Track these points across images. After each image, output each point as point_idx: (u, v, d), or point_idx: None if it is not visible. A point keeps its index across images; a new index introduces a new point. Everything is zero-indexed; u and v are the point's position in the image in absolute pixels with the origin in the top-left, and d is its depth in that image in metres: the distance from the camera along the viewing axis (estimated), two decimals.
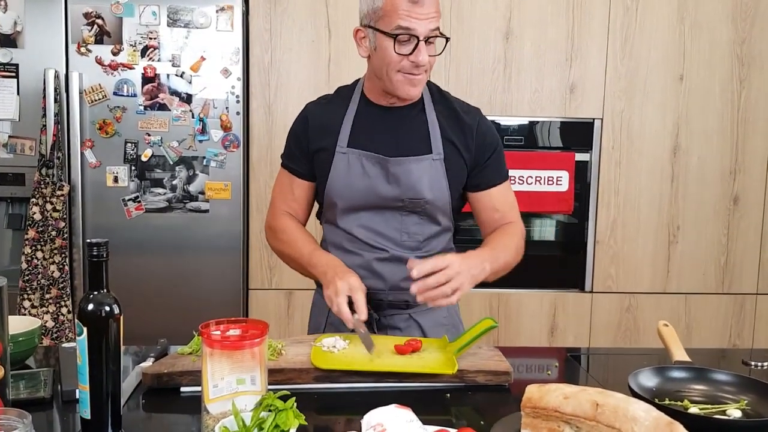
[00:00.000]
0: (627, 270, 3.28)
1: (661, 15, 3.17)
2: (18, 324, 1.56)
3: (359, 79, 1.85)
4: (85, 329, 1.21)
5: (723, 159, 3.26)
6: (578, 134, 3.22)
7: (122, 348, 1.26)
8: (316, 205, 1.92)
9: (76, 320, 1.24)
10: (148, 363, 1.59)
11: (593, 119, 3.21)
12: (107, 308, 1.23)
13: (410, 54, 1.64)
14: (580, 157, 3.21)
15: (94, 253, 1.26)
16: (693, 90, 3.22)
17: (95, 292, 1.25)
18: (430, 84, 1.84)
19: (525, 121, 3.19)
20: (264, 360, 1.22)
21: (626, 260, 3.27)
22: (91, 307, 1.22)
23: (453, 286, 1.54)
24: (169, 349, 1.72)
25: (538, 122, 3.19)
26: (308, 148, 1.80)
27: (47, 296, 2.80)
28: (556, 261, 3.30)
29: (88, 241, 1.27)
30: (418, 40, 1.62)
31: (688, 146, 3.24)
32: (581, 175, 3.22)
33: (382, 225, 1.79)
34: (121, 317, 1.26)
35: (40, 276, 2.79)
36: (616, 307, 3.29)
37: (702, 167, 3.26)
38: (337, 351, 1.59)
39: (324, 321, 1.88)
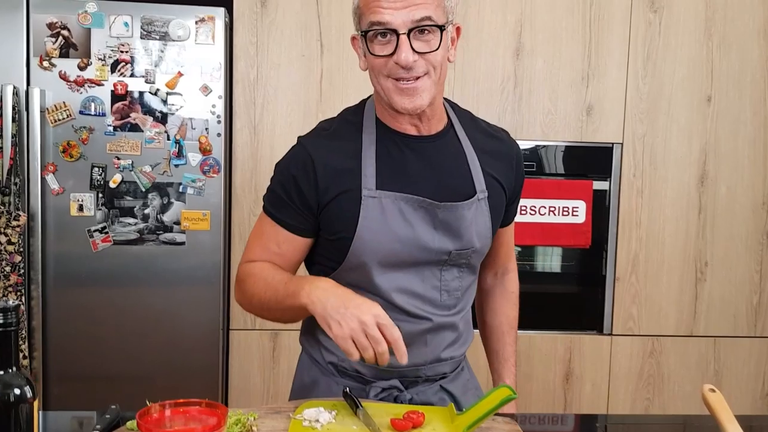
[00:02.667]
0: (650, 310, 2.97)
1: (686, 30, 2.88)
2: None
3: (366, 101, 1.50)
4: None
5: (755, 189, 2.96)
6: (596, 160, 2.93)
7: (69, 414, 0.96)
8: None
9: None
10: None
11: (612, 144, 2.91)
12: (17, 391, 0.96)
13: (393, 54, 1.32)
14: (597, 185, 2.92)
15: (1, 321, 0.96)
16: (722, 112, 2.92)
17: (1, 372, 0.96)
18: (451, 104, 1.54)
19: (537, 144, 2.89)
20: None
21: (649, 299, 2.96)
22: None
23: None
24: (120, 418, 1.39)
25: (551, 146, 2.90)
26: (315, 199, 1.41)
27: None
28: (572, 300, 2.99)
29: None
30: (398, 35, 1.30)
31: (717, 174, 2.94)
32: (599, 205, 2.92)
33: (421, 286, 1.45)
34: (35, 402, 0.97)
35: None
36: (638, 351, 2.98)
37: (732, 198, 2.96)
38: (321, 426, 1.27)
39: (311, 381, 1.56)
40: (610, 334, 2.97)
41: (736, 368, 3.02)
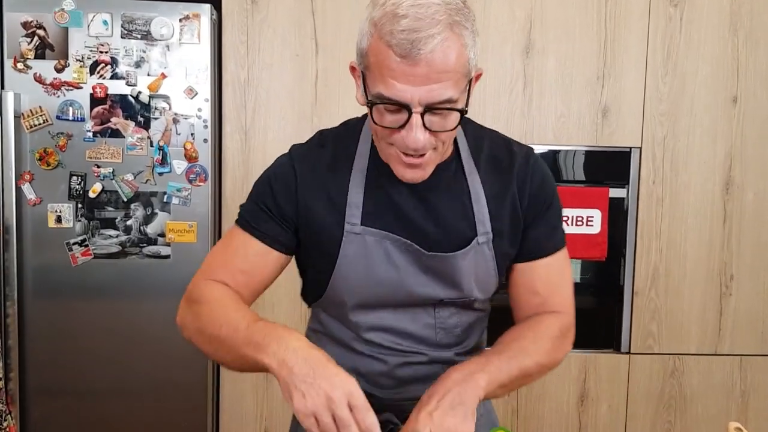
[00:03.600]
0: (671, 327, 2.75)
1: (710, 25, 2.67)
2: None
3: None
4: None
5: None
6: (612, 166, 2.72)
7: None
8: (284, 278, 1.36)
9: None
10: None
11: (630, 148, 2.70)
12: None
13: (400, 128, 1.10)
14: (614, 192, 2.71)
15: None
16: (749, 114, 2.70)
17: None
18: (463, 123, 1.25)
19: (548, 149, 2.69)
20: None
21: (670, 316, 2.75)
22: None
23: None
24: None
25: (563, 151, 2.70)
26: (292, 212, 1.26)
27: None
28: (587, 316, 2.78)
29: None
30: (410, 113, 1.08)
31: (743, 180, 2.72)
32: (616, 215, 2.71)
33: (411, 324, 1.30)
34: None
35: None
36: (658, 371, 2.77)
37: (760, 205, 2.74)
38: None
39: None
40: (628, 353, 2.76)
41: (765, 389, 2.80)
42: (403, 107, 1.08)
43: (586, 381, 2.75)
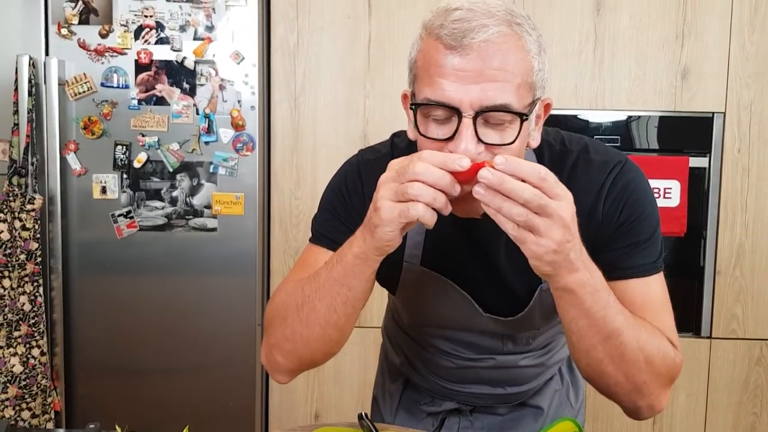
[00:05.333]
0: (758, 310, 2.52)
1: None
2: None
3: None
4: None
5: None
6: (693, 133, 2.50)
7: None
8: None
9: None
10: None
11: (713, 113, 2.47)
12: None
13: (448, 140, 0.95)
14: (695, 162, 2.48)
15: None
16: None
17: None
18: (540, 149, 1.11)
19: (622, 116, 2.48)
20: None
21: (756, 297, 2.51)
22: None
23: (534, 220, 0.86)
24: None
25: (639, 117, 2.48)
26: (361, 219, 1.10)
27: (15, 334, 2.27)
28: None
29: None
30: (460, 117, 0.93)
31: None
32: (697, 186, 2.49)
33: (477, 338, 1.24)
34: None
35: (6, 309, 2.26)
36: (743, 357, 2.54)
37: None
38: None
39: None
40: (710, 337, 2.54)
41: None
42: (453, 111, 0.94)
43: None
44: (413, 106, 0.99)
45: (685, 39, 2.45)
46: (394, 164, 0.93)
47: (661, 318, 1.09)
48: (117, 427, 1.08)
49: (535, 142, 1.05)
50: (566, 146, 1.13)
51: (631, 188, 1.10)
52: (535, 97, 0.98)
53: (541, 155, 1.12)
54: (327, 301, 1.04)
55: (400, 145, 1.19)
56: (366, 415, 1.16)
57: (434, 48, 0.94)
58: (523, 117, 0.95)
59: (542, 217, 0.86)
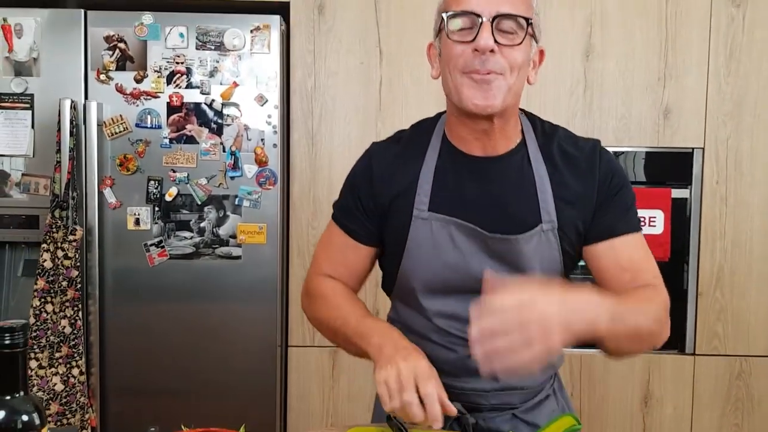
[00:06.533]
0: (737, 328, 2.73)
1: None
2: None
3: (442, 114, 1.43)
4: None
5: None
6: (675, 166, 2.73)
7: None
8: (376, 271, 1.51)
9: None
10: None
11: (692, 148, 2.71)
12: (24, 418, 0.88)
13: (472, 41, 1.23)
14: (677, 193, 2.71)
15: (7, 342, 0.89)
16: None
17: (7, 397, 0.88)
18: (533, 119, 1.41)
19: (610, 151, 2.70)
20: None
21: (736, 316, 2.73)
22: (1, 416, 0.85)
23: (525, 337, 0.99)
24: None
25: (625, 153, 2.72)
26: (372, 205, 1.39)
27: (57, 355, 2.46)
28: None
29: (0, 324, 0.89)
30: (481, 21, 1.22)
31: None
32: (679, 215, 2.71)
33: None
34: (44, 429, 0.88)
35: (49, 332, 2.45)
36: (725, 372, 2.74)
37: None
38: None
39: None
40: (693, 354, 2.74)
41: None
42: (475, 18, 1.22)
43: (650, 382, 2.74)
44: (444, 17, 1.26)
45: (666, 81, 2.69)
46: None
47: (649, 264, 1.36)
48: (183, 427, 1.27)
49: (534, 80, 1.35)
50: (553, 125, 1.42)
51: (614, 163, 1.38)
52: (530, 28, 1.26)
53: (534, 124, 1.40)
54: (345, 346, 1.39)
55: (405, 132, 1.45)
56: (395, 416, 1.25)
57: None
58: (528, 21, 1.25)
59: (533, 345, 0.99)
